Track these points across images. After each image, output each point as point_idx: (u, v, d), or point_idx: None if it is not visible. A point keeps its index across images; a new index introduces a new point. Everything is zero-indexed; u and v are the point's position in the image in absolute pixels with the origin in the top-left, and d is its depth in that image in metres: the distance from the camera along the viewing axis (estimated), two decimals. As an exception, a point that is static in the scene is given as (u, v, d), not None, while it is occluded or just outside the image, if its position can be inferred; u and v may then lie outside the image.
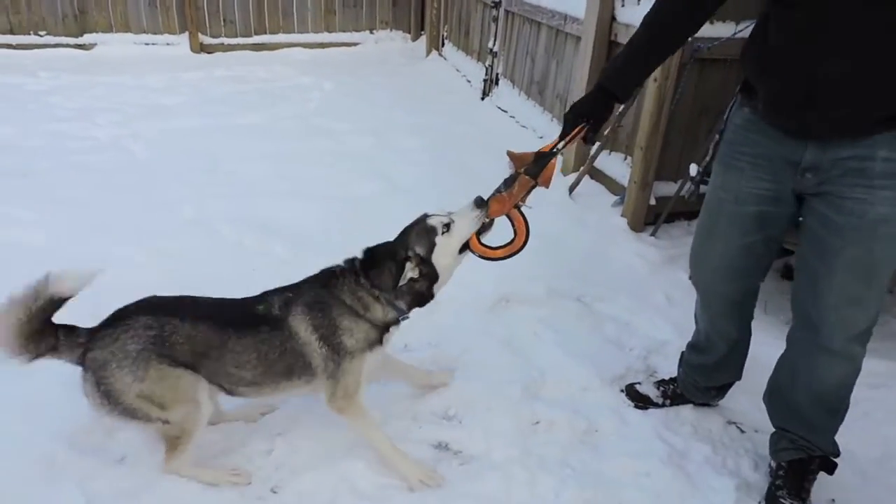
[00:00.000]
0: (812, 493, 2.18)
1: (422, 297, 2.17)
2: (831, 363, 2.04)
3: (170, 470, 2.12)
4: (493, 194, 2.16)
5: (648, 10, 2.09)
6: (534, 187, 2.14)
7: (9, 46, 7.72)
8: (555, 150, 2.14)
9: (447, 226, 2.11)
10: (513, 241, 2.17)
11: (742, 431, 2.51)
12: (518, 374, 2.66)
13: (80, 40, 8.03)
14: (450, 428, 2.42)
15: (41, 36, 7.90)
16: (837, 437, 2.20)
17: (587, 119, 2.13)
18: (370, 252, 2.18)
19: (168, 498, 2.08)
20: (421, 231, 2.13)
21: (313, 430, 2.35)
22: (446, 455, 2.32)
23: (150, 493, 2.08)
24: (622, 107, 2.06)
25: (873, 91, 1.69)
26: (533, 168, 2.12)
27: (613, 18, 4.10)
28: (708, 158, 3.29)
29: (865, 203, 1.77)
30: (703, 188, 3.37)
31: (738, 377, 2.50)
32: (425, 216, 2.17)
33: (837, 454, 2.21)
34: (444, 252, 2.12)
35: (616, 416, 2.50)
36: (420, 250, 2.10)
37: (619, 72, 2.12)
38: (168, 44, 8.32)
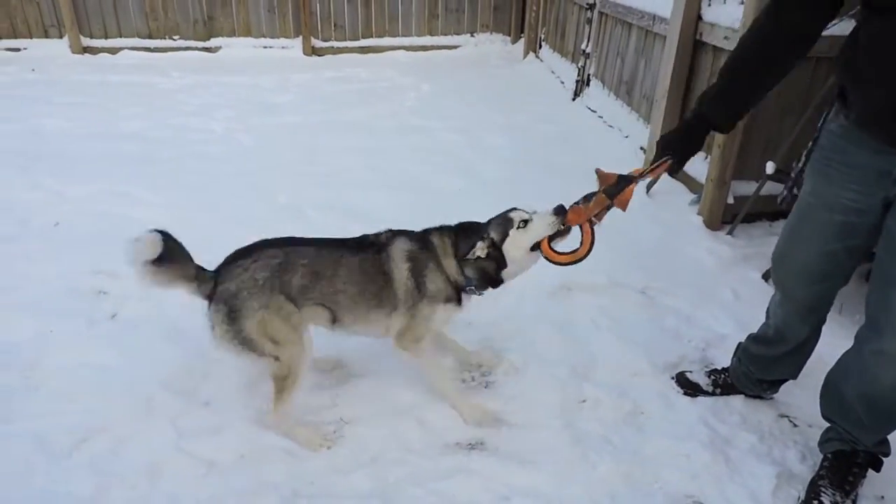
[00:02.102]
0: (862, 489, 2.15)
1: (489, 277, 2.40)
2: (887, 365, 1.98)
3: (276, 418, 2.34)
4: (573, 205, 2.30)
5: (756, 18, 1.99)
6: (609, 207, 2.24)
7: (147, 49, 8.63)
8: (636, 175, 2.22)
9: (525, 222, 2.35)
10: (577, 250, 2.29)
11: (794, 425, 2.49)
12: (569, 356, 2.77)
13: (207, 44, 8.81)
14: (497, 397, 2.58)
15: (174, 40, 8.75)
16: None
17: (673, 152, 2.15)
18: (461, 224, 2.49)
19: (245, 435, 2.37)
20: (501, 220, 2.40)
21: (373, 391, 2.59)
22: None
23: (229, 432, 2.38)
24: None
25: None
26: (612, 189, 2.22)
27: (699, 17, 4.07)
28: (801, 165, 3.20)
29: None
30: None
31: (795, 376, 2.48)
32: (512, 209, 2.42)
33: (887, 454, 2.18)
34: (514, 244, 2.35)
35: (663, 400, 2.56)
36: (494, 235, 2.36)
37: (722, 96, 2.03)
38: (283, 47, 8.94)
